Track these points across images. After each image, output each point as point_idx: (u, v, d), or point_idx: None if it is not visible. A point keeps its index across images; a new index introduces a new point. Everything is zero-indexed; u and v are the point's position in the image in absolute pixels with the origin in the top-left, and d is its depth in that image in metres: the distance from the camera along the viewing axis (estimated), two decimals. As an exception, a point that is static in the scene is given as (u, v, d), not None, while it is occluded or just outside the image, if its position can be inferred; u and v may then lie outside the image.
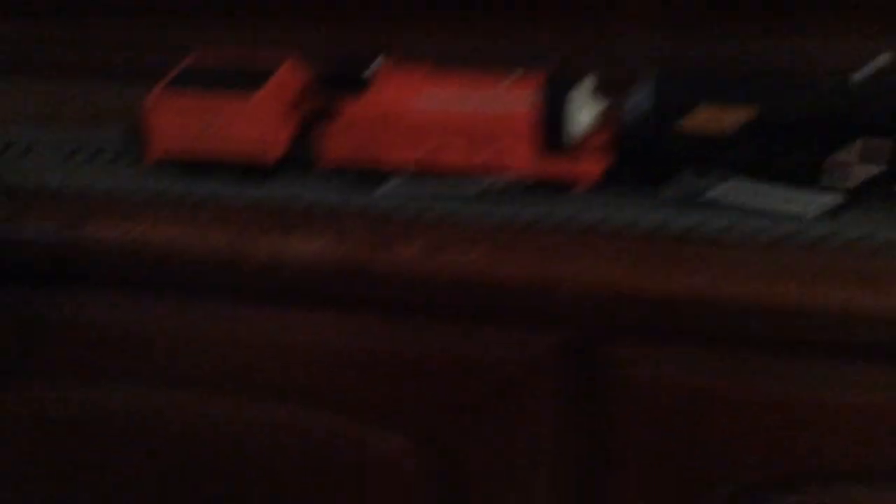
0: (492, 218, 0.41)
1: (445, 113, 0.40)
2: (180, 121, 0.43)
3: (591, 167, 0.40)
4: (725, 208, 0.39)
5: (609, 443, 0.43)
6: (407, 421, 0.46)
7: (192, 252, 0.42)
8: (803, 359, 0.39)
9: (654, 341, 0.40)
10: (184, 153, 0.44)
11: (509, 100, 0.40)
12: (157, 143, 0.44)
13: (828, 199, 0.38)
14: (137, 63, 0.54)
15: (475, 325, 0.42)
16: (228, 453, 0.51)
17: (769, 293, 0.36)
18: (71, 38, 0.57)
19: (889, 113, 0.36)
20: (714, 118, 0.37)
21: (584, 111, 0.39)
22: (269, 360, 0.47)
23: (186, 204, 0.44)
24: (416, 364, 0.44)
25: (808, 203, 0.38)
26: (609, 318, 0.39)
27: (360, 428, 0.47)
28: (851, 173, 0.37)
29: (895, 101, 0.36)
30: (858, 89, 0.36)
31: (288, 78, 0.44)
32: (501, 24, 0.51)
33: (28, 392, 0.54)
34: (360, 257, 0.40)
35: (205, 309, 0.46)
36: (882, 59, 0.37)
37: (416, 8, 0.52)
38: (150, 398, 0.51)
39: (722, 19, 0.47)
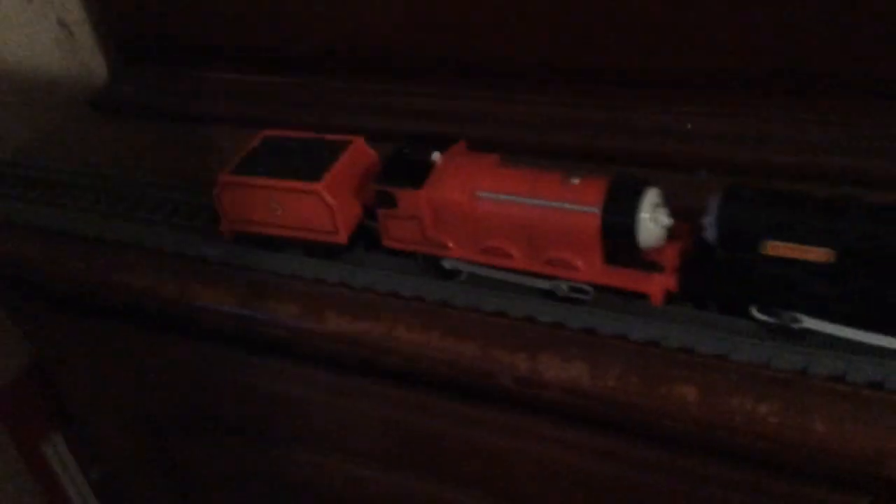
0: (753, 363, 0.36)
1: (511, 208, 0.39)
2: (251, 201, 0.44)
3: (664, 281, 0.38)
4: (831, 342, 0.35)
5: None
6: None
7: (439, 358, 0.40)
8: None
9: None
10: (255, 230, 0.45)
11: (577, 202, 0.37)
12: (228, 220, 0.46)
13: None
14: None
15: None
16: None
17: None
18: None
19: None
20: (798, 252, 0.34)
21: (654, 223, 0.37)
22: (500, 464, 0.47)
23: (424, 306, 0.42)
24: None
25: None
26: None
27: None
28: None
29: None
30: None
31: (351, 162, 0.44)
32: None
33: (224, 445, 0.58)
34: (628, 391, 0.37)
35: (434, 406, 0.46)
36: None
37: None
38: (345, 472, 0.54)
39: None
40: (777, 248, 0.35)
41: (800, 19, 0.41)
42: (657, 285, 0.38)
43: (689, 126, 0.45)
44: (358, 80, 0.53)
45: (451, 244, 0.41)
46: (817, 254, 0.34)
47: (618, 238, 0.37)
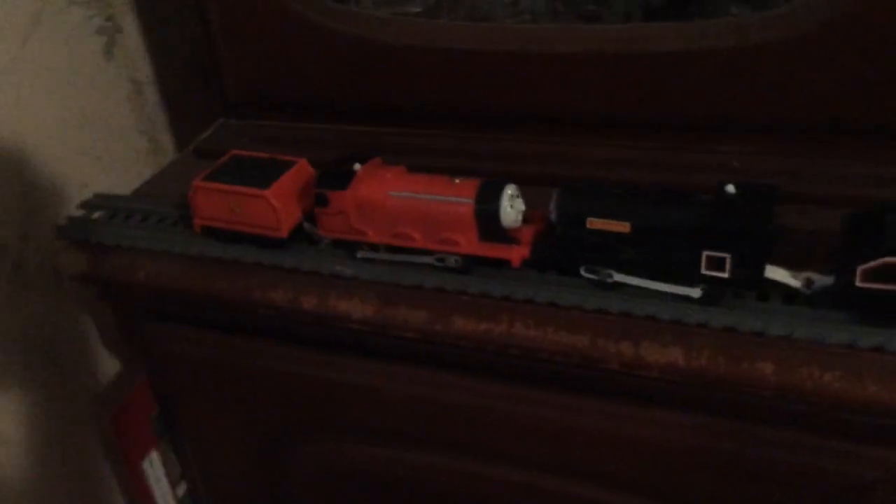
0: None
1: (412, 203, 0.52)
2: (215, 203, 0.57)
3: (520, 251, 0.52)
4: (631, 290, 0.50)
5: None
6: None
7: (549, 349, 0.49)
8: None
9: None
10: (219, 225, 0.58)
11: (458, 196, 0.51)
12: (199, 217, 0.58)
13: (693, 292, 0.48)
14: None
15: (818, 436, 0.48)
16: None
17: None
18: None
19: (728, 230, 0.46)
20: (607, 225, 0.49)
21: (511, 209, 0.51)
22: (597, 448, 0.54)
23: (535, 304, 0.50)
24: (758, 467, 0.50)
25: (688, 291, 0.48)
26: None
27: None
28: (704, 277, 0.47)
29: (731, 220, 0.46)
30: (712, 206, 0.46)
31: (296, 176, 0.57)
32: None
33: (331, 447, 0.64)
34: (717, 371, 0.46)
35: (542, 397, 0.54)
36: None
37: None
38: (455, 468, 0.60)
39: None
40: (595, 223, 0.49)
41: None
42: (516, 254, 0.52)
43: (735, 164, 0.55)
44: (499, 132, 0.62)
45: (369, 232, 0.54)
46: (620, 226, 0.48)
47: (486, 221, 0.51)
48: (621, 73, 0.56)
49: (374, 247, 0.54)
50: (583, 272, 0.50)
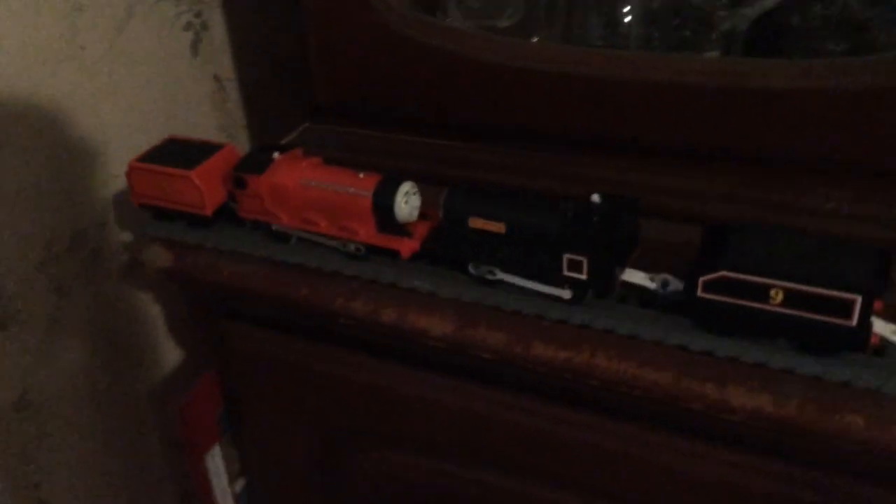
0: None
1: (320, 191, 0.55)
2: (149, 182, 0.61)
3: (411, 244, 0.55)
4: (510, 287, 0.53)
5: None
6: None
7: (630, 383, 0.48)
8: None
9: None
10: (153, 203, 0.61)
11: (359, 188, 0.54)
12: (135, 195, 0.62)
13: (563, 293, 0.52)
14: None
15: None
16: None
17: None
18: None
19: (583, 235, 0.49)
20: (486, 225, 0.52)
21: (406, 204, 0.54)
22: (666, 484, 0.54)
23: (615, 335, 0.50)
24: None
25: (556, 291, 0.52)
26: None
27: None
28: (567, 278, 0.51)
29: (587, 227, 0.49)
30: (573, 213, 0.50)
31: (222, 159, 0.60)
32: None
33: (392, 457, 0.65)
34: (806, 419, 0.45)
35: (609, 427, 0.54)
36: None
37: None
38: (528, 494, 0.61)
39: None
40: (476, 223, 0.52)
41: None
42: (406, 246, 0.55)
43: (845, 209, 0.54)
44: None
45: (282, 215, 0.57)
46: (496, 226, 0.52)
47: (382, 213, 0.54)
48: (714, 105, 0.55)
49: (285, 227, 0.58)
50: (470, 269, 0.54)
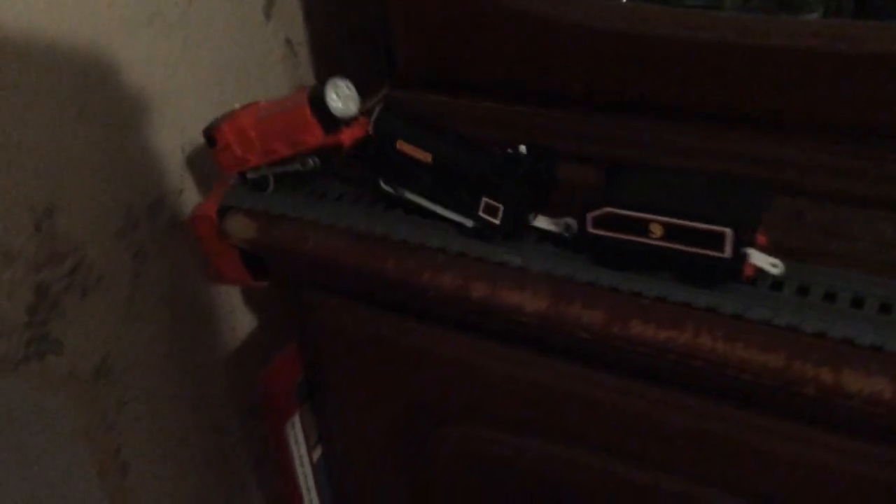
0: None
1: (268, 121, 0.58)
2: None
3: (352, 132, 0.57)
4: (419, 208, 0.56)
5: None
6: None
7: (737, 366, 0.46)
8: None
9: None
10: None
11: (296, 101, 0.57)
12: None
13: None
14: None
15: None
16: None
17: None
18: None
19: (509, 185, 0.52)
20: (413, 151, 0.54)
21: (343, 104, 0.56)
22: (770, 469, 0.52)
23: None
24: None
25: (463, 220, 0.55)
26: None
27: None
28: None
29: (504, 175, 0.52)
30: (501, 160, 0.53)
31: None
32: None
33: (475, 432, 0.64)
34: None
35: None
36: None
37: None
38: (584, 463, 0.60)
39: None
40: (403, 146, 0.54)
41: None
42: (347, 135, 0.56)
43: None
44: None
45: (250, 157, 0.60)
46: (424, 155, 0.54)
47: (319, 113, 0.55)
48: (824, 71, 0.52)
49: (257, 170, 0.61)
50: (381, 184, 0.56)
